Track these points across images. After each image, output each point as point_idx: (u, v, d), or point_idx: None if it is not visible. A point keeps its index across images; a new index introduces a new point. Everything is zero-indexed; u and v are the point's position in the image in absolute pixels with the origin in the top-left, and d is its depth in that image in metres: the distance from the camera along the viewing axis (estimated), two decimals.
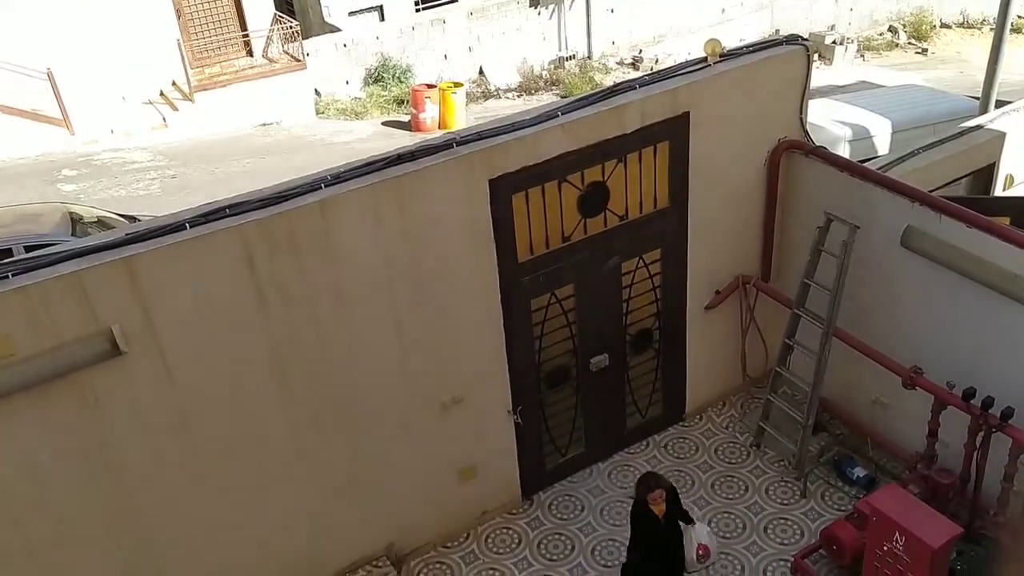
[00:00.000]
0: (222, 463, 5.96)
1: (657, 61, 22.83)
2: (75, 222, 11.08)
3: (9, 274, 4.96)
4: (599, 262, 7.13)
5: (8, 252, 9.65)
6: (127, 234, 5.32)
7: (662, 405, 8.23)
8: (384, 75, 20.64)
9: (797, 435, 7.62)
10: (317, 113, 19.58)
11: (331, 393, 6.21)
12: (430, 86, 19.35)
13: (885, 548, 5.89)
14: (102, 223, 11.27)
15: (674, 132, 6.95)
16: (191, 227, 5.32)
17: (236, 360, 5.73)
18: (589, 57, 23.18)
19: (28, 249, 9.01)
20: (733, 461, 7.96)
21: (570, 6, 22.52)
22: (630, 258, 7.32)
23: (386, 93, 20.36)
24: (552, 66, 22.66)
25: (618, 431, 8.04)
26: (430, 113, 18.84)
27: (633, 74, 21.43)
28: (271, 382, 5.93)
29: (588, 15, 22.86)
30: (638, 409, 8.10)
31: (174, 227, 5.31)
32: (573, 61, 22.88)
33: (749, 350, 8.40)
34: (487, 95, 21.49)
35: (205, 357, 5.61)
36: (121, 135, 17.94)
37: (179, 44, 18.26)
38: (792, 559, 6.92)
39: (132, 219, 11.21)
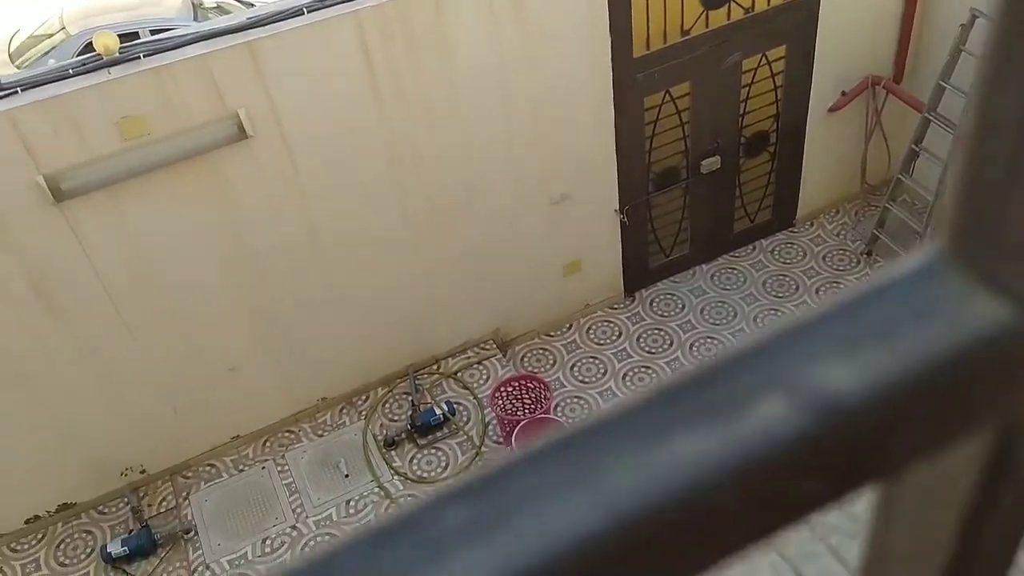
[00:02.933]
0: (342, 245, 6.31)
1: None
2: (195, 6, 11.21)
3: (140, 55, 5.16)
4: (719, 59, 6.85)
5: (135, 35, 9.90)
6: (248, 18, 5.40)
7: (772, 210, 8.11)
8: None
9: (913, 245, 7.45)
10: None
11: (443, 185, 6.38)
12: None
13: None
14: (221, 8, 11.36)
15: None
16: (308, 12, 5.36)
17: (353, 149, 5.92)
18: None
19: (153, 33, 9.23)
20: (841, 268, 7.88)
21: None
22: (752, 55, 6.99)
23: None
24: None
25: (724, 235, 8.03)
26: None
27: None
28: (386, 173, 6.12)
29: None
30: (747, 213, 8.02)
31: (292, 12, 5.36)
32: None
33: (871, 156, 8.08)
34: None
35: (324, 145, 5.81)
36: None
37: None
38: None
39: (249, 4, 11.24)
